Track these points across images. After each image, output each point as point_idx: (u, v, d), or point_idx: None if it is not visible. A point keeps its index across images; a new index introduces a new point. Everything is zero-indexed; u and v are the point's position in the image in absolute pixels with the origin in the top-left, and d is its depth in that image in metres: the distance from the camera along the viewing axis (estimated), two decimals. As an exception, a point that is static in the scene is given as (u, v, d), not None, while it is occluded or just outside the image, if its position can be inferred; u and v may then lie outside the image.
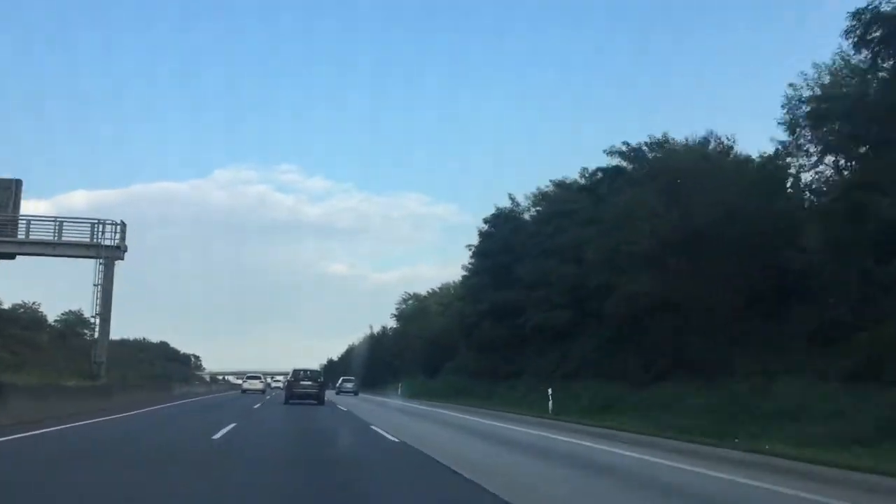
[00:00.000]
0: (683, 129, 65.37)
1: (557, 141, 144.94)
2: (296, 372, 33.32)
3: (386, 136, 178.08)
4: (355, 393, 54.70)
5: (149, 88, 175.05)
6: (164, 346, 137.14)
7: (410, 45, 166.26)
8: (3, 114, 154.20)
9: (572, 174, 42.20)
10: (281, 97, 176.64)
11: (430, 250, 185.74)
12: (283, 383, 47.34)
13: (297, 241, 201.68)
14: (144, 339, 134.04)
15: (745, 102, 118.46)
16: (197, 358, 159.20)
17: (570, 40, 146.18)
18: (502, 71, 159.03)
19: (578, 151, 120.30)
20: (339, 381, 58.86)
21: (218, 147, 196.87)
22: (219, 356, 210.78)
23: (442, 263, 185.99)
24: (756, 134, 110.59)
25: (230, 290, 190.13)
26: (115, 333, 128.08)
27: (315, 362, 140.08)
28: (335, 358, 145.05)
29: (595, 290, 31.12)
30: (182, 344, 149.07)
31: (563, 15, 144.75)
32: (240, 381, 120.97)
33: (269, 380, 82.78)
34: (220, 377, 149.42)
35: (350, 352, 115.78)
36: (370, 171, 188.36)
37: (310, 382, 32.24)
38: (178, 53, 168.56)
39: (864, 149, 22.05)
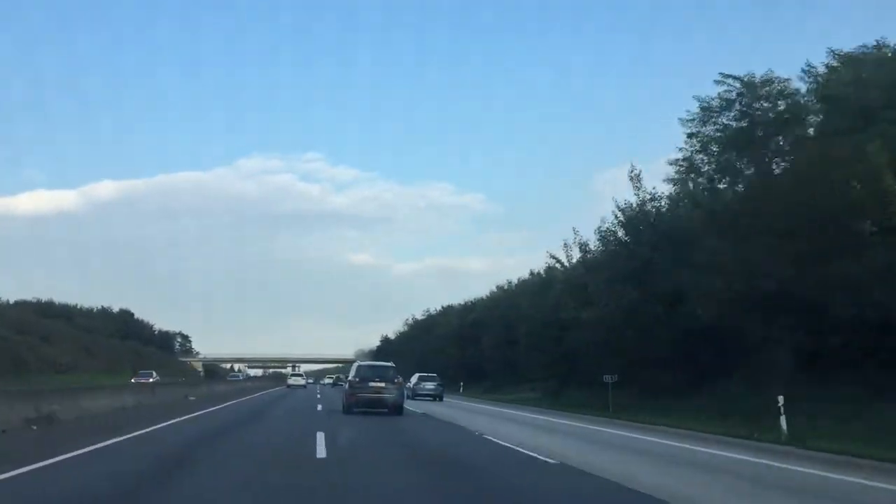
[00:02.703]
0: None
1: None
2: (361, 369, 25.07)
3: (413, 126, 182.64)
4: (438, 397, 40.72)
5: (169, 79, 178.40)
6: (124, 317, 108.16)
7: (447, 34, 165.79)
8: (35, 104, 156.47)
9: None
10: (308, 85, 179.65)
11: (456, 240, 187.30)
12: (335, 379, 57.89)
13: (321, 230, 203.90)
14: (105, 307, 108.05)
15: None
16: (185, 339, 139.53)
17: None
18: (541, 63, 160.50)
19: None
20: (415, 380, 43.33)
21: (243, 136, 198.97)
22: (235, 344, 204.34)
23: (467, 253, 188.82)
24: None
25: (249, 278, 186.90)
26: (74, 299, 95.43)
27: (342, 350, 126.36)
28: (362, 348, 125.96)
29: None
30: (194, 331, 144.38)
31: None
32: (256, 373, 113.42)
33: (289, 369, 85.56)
34: (230, 366, 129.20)
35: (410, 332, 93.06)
36: (396, 159, 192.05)
37: (382, 384, 23.79)
38: (203, 43, 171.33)
39: None
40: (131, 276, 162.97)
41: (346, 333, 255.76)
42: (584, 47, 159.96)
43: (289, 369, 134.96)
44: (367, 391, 23.66)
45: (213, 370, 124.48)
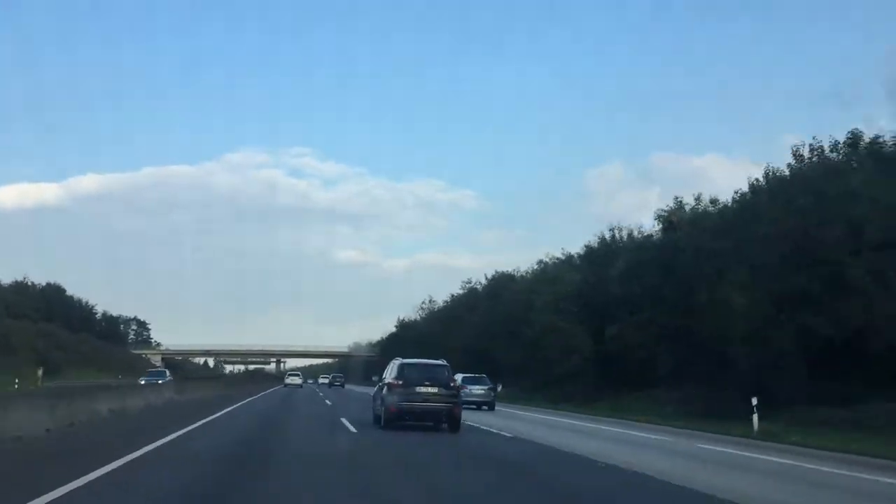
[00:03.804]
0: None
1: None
2: (405, 368, 19.62)
3: (404, 122, 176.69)
4: (489, 406, 33.34)
5: (161, 72, 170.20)
6: (48, 293, 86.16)
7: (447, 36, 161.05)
8: (25, 99, 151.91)
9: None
10: (302, 82, 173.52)
11: (446, 237, 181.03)
12: (331, 378, 75.56)
13: (308, 225, 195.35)
14: (22, 281, 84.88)
15: None
16: (142, 326, 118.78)
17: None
18: (542, 58, 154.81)
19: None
20: (458, 382, 29.67)
21: (233, 132, 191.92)
22: (213, 336, 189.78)
23: (458, 250, 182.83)
24: None
25: (232, 270, 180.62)
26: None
27: (330, 344, 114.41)
28: (359, 342, 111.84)
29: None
30: (164, 323, 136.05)
31: None
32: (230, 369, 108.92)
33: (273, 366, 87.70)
34: (203, 361, 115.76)
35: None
36: (385, 155, 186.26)
37: (434, 389, 18.97)
38: (196, 36, 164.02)
39: None
40: (101, 264, 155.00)
41: (333, 330, 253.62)
42: (580, 45, 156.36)
43: (272, 366, 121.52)
44: (416, 399, 18.86)
45: (178, 366, 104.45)
